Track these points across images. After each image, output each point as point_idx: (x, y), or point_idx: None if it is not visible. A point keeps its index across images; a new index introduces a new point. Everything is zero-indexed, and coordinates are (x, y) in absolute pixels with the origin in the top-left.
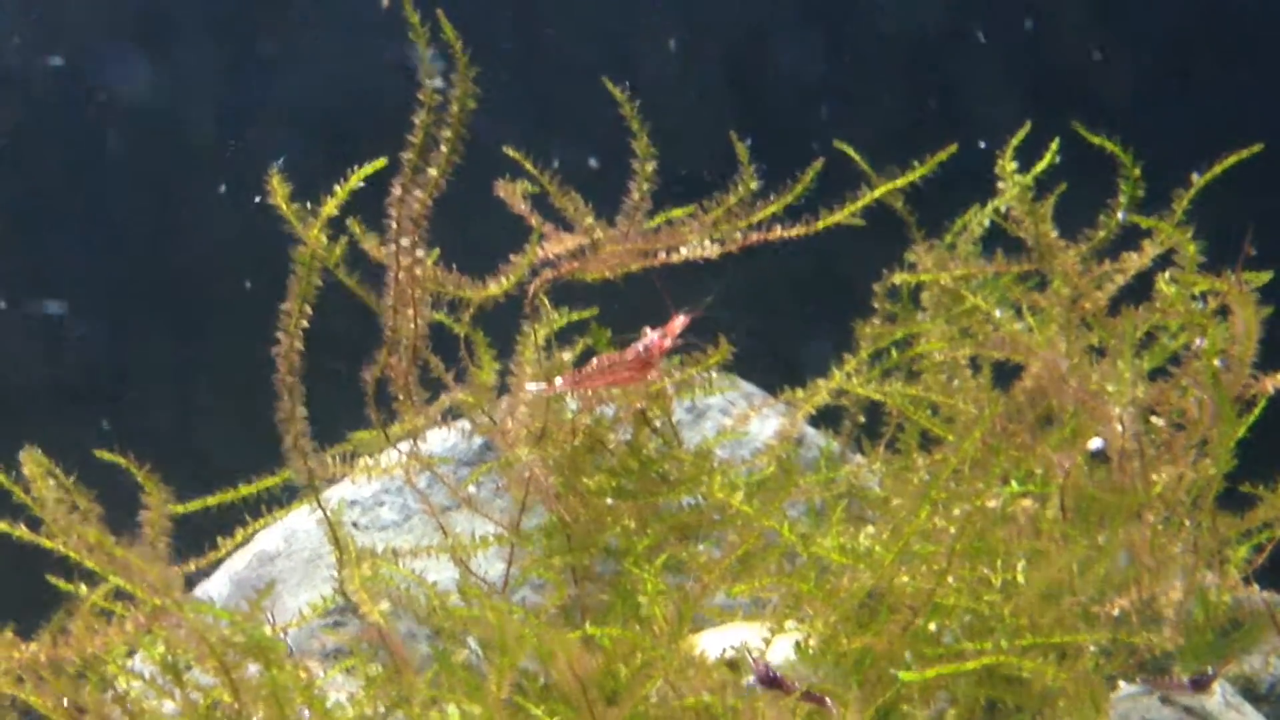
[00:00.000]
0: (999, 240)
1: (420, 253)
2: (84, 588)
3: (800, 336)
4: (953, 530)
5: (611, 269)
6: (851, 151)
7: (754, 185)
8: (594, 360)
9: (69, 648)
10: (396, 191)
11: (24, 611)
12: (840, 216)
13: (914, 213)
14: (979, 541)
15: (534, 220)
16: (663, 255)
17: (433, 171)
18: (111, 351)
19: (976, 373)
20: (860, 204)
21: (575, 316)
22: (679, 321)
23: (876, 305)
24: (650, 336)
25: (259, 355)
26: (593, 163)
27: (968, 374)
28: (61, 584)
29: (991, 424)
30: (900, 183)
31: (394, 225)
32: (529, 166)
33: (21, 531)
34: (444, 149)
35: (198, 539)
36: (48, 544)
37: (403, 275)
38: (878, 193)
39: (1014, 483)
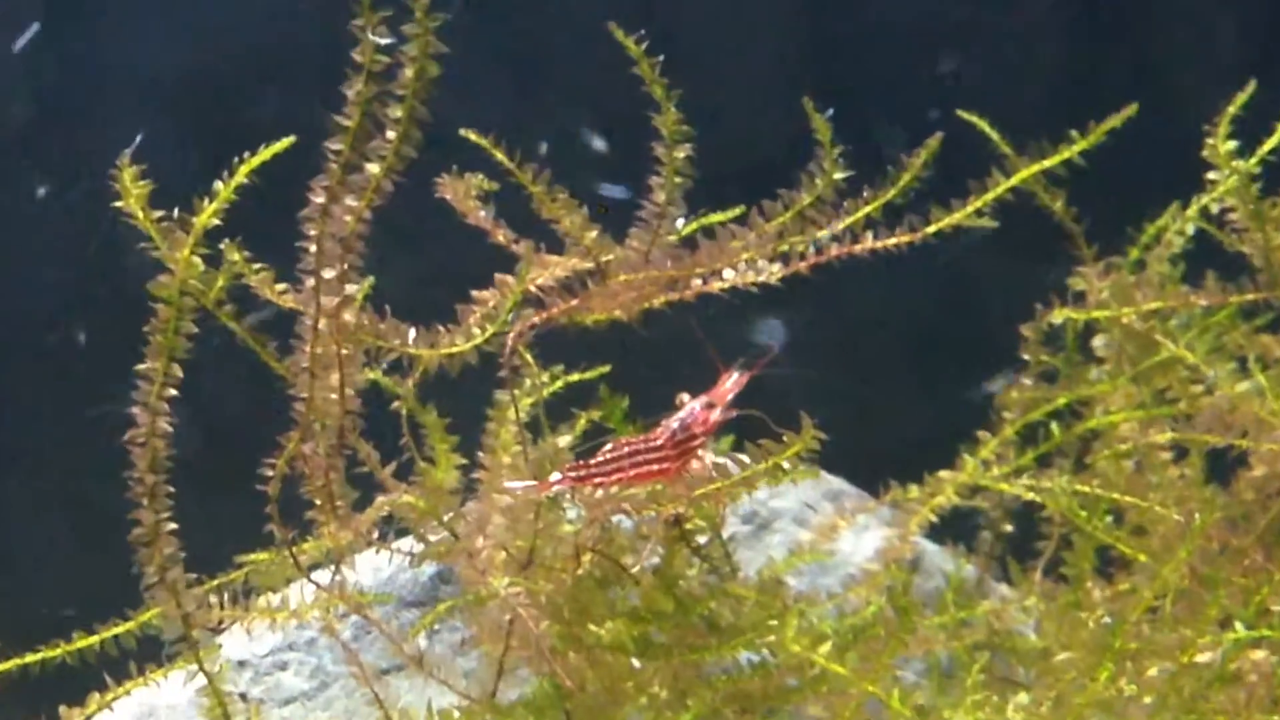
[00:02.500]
0: (1210, 257)
1: (351, 290)
2: None
3: (909, 405)
4: (1148, 700)
5: (625, 306)
6: (980, 122)
7: (837, 176)
8: (608, 446)
9: None
10: (319, 199)
11: None
12: (964, 215)
13: (1080, 218)
14: (1188, 715)
15: (500, 235)
16: (699, 283)
17: (373, 169)
18: None
19: (1181, 458)
20: (997, 192)
21: (573, 379)
22: (731, 383)
23: (1027, 357)
24: (690, 407)
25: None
26: (598, 144)
27: (1167, 460)
28: None
29: (1205, 537)
30: (1056, 160)
31: (313, 250)
32: (499, 155)
33: None
34: (392, 136)
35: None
36: None
37: (325, 324)
38: (1019, 178)
39: (1239, 626)
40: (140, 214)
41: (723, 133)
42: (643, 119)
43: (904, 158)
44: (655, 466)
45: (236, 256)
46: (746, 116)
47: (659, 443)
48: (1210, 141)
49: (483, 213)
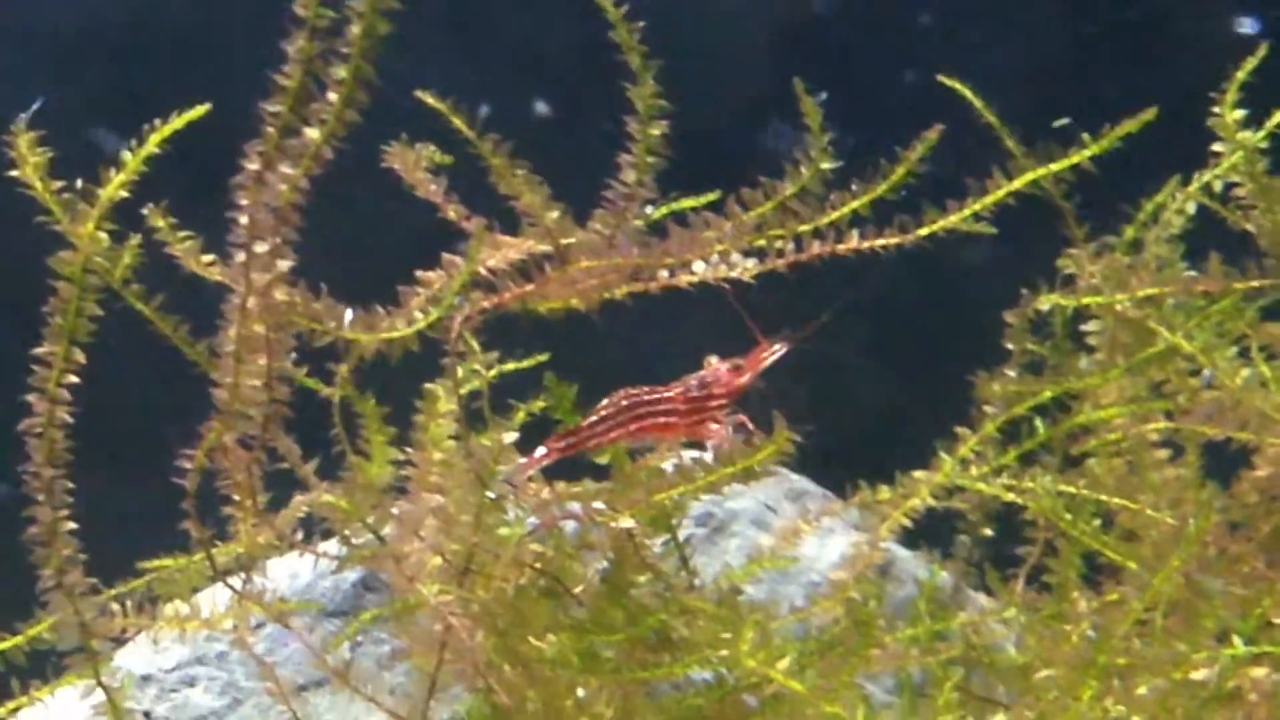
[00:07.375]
0: (1212, 237)
1: (284, 266)
2: None
3: (880, 396)
4: None
5: (584, 294)
6: (985, 109)
7: (825, 166)
8: (604, 401)
9: None
10: (252, 166)
11: None
12: (961, 217)
13: (1070, 194)
14: None
15: (451, 210)
16: (666, 275)
17: (312, 134)
18: None
19: (1177, 457)
20: (998, 196)
21: (519, 365)
22: (767, 354)
23: (1011, 346)
24: (716, 369)
25: None
26: (540, 107)
27: (1162, 459)
28: None
29: (1202, 543)
30: (1065, 164)
31: (245, 221)
32: (458, 121)
33: None
34: (334, 98)
35: None
36: None
37: (253, 303)
38: (1023, 181)
39: (1238, 640)
40: (38, 183)
41: (698, 115)
42: (588, 82)
43: (893, 148)
44: (662, 420)
45: (161, 223)
46: (725, 97)
47: (670, 394)
48: (1216, 109)
49: (433, 186)
